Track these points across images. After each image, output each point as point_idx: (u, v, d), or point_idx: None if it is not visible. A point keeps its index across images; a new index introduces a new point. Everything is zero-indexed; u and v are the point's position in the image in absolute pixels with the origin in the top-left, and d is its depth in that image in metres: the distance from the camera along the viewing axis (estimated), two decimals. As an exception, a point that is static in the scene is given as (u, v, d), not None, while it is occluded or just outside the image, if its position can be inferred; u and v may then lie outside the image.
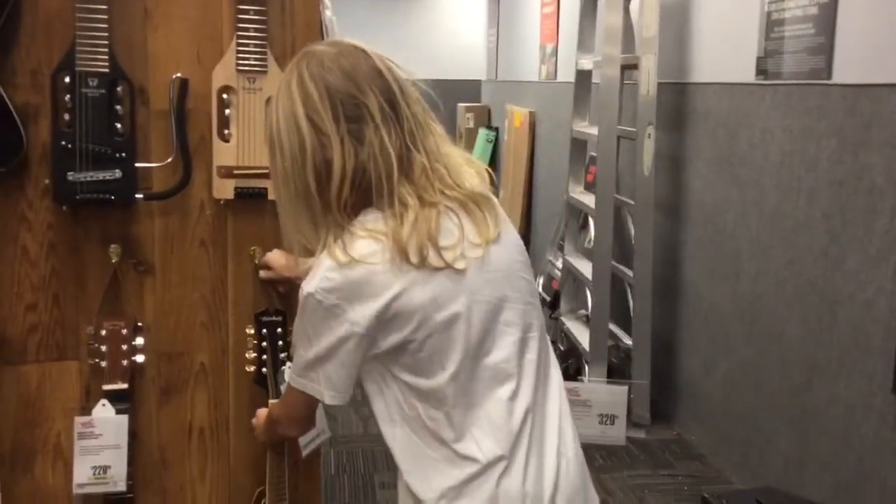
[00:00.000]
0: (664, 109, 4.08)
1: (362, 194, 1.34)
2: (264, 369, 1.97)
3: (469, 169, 1.44)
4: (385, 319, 1.33)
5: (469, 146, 8.53)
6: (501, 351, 1.39)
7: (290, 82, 1.36)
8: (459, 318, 1.35)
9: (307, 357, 1.39)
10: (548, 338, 1.51)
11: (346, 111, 1.32)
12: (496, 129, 8.18)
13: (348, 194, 1.33)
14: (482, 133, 8.31)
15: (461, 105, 9.05)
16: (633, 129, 4.02)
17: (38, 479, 1.95)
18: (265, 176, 1.90)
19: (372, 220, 1.34)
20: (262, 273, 1.97)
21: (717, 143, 3.73)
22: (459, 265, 1.35)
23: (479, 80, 9.36)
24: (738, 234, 3.55)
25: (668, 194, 4.16)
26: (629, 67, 4.14)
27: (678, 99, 4.06)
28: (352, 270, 1.31)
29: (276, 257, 1.95)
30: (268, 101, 1.91)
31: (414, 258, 1.32)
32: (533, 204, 6.88)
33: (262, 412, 1.86)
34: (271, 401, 1.91)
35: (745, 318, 3.49)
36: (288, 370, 2.00)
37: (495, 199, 1.47)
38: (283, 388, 1.95)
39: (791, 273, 3.17)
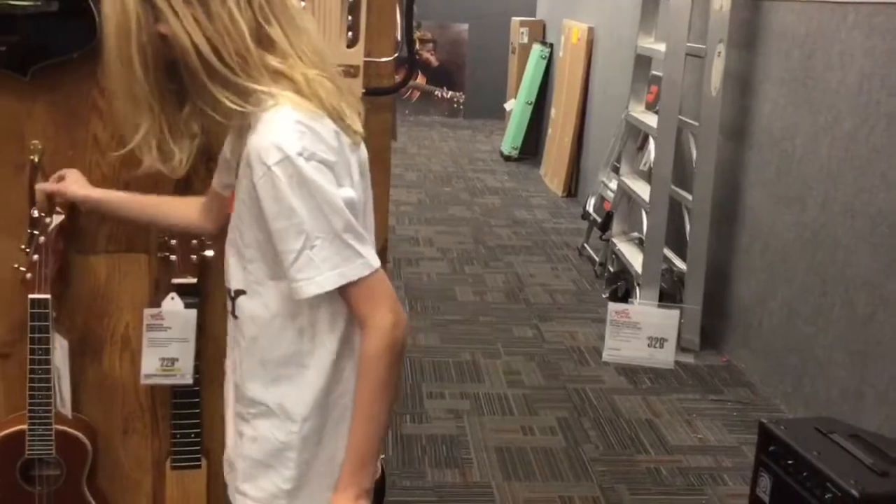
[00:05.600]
0: (736, 27, 3.92)
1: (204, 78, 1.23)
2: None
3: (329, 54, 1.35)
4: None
5: (522, 62, 8.35)
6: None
7: None
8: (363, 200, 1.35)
9: (334, 235, 1.22)
10: None
11: None
12: (551, 46, 7.98)
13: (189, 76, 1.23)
14: (536, 49, 8.12)
15: (515, 19, 8.84)
16: (703, 47, 3.88)
17: (105, 368, 1.98)
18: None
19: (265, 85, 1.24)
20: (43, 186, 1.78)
21: (791, 64, 3.58)
22: (357, 139, 1.32)
23: (535, -6, 9.11)
24: (807, 160, 3.44)
25: (734, 116, 4.03)
26: (702, -19, 3.97)
27: (752, 16, 3.89)
28: (320, 117, 1.24)
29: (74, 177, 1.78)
30: None
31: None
32: (585, 125, 6.75)
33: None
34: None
35: (809, 247, 3.41)
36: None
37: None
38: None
39: (862, 202, 3.07)
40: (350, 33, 1.86)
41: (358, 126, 1.31)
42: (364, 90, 1.87)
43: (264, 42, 1.24)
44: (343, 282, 1.22)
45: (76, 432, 1.89)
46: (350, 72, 1.85)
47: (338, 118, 1.26)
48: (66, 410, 1.90)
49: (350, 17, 1.86)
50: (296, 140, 1.20)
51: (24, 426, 1.83)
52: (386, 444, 3.06)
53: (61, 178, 1.77)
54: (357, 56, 1.86)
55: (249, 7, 1.23)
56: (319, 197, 1.20)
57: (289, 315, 1.30)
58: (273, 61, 1.24)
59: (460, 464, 3.01)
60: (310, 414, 1.31)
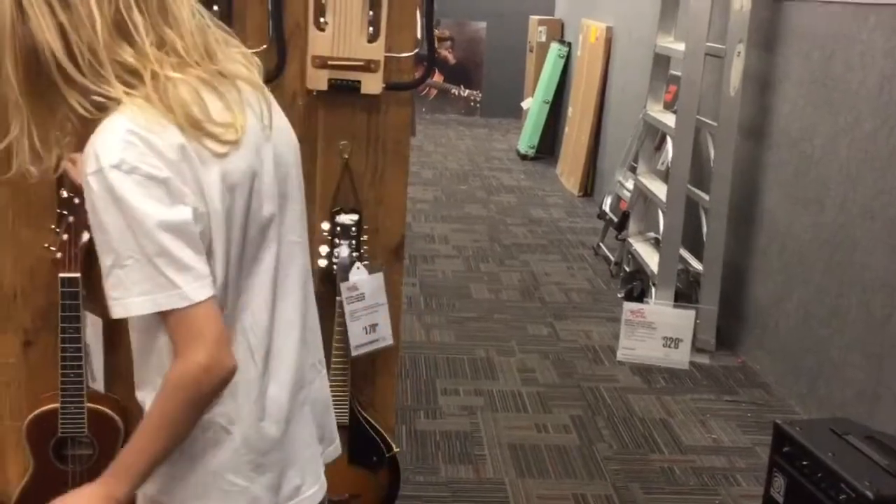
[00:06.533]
0: (756, 27, 3.91)
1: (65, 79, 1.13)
2: (335, 267, 1.98)
3: (229, 49, 1.23)
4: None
5: (539, 61, 8.35)
6: (269, 256, 1.28)
7: None
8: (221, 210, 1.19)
9: (146, 260, 1.11)
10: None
11: None
12: (569, 45, 7.97)
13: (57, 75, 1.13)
14: (554, 48, 8.11)
15: (533, 18, 8.83)
16: (722, 47, 3.87)
17: (129, 353, 2.00)
18: (360, 68, 1.86)
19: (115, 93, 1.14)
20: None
21: (811, 65, 3.57)
22: (221, 150, 1.18)
23: (554, -7, 9.11)
24: (826, 161, 3.42)
25: (753, 117, 4.02)
26: (722, -19, 3.96)
27: (772, 16, 3.88)
28: (163, 128, 1.12)
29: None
30: None
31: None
32: (603, 124, 6.74)
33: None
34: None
35: (826, 248, 3.39)
36: (357, 270, 1.99)
37: (258, 88, 1.26)
38: (342, 286, 1.95)
39: (881, 204, 3.06)
40: (371, 28, 1.87)
41: (231, 134, 1.18)
42: (384, 85, 1.88)
43: (123, 31, 1.13)
44: (155, 309, 1.12)
45: (108, 410, 1.91)
46: (370, 66, 1.86)
47: (192, 127, 1.14)
48: (99, 386, 1.92)
49: (371, 13, 1.87)
50: (116, 151, 1.10)
51: (57, 405, 1.84)
52: (400, 439, 3.08)
53: (73, 162, 1.69)
54: (378, 51, 1.87)
55: None
56: (129, 216, 1.09)
57: (152, 324, 1.21)
58: (128, 56, 1.13)
59: (474, 460, 3.02)
60: None
